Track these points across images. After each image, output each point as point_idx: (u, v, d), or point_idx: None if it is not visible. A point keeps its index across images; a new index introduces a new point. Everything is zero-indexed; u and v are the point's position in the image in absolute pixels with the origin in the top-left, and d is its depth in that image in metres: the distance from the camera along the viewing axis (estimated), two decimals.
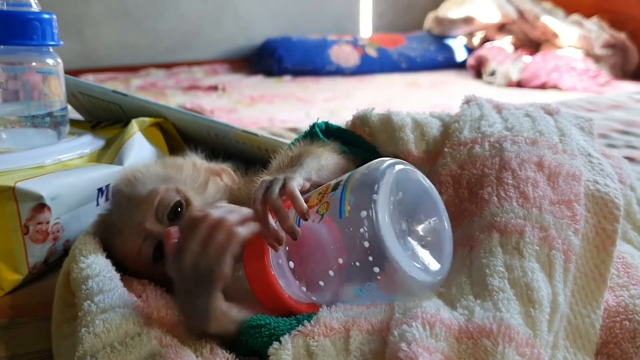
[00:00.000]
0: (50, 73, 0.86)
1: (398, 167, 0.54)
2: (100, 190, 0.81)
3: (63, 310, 0.59)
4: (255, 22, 3.19)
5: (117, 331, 0.51)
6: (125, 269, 0.63)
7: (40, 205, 0.72)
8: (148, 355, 0.49)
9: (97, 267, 0.59)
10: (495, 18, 3.01)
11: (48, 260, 0.76)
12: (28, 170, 0.77)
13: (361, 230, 0.50)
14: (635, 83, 2.60)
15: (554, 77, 2.55)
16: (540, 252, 0.53)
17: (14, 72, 0.84)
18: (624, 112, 1.56)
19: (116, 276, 0.59)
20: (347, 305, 0.53)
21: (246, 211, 0.53)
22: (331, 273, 0.52)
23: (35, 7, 0.83)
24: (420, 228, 0.54)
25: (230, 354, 0.51)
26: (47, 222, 0.73)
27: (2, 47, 0.82)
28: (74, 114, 1.05)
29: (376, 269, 0.50)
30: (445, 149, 0.67)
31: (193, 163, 0.71)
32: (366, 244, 0.50)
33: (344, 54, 3.00)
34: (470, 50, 3.13)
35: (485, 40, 3.11)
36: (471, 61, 2.93)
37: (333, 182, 0.55)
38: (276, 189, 0.54)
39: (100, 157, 0.88)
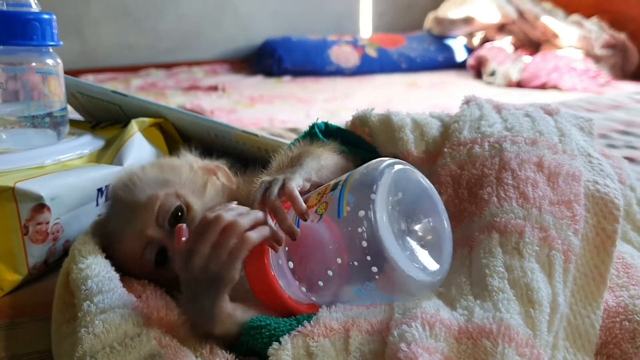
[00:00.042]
0: (50, 73, 0.86)
1: (397, 167, 0.54)
2: (100, 190, 0.81)
3: (63, 311, 0.59)
4: (255, 22, 3.19)
5: (116, 331, 0.51)
6: (125, 269, 0.63)
7: (40, 206, 0.72)
8: (147, 356, 0.49)
9: (96, 267, 0.59)
10: (495, 18, 3.01)
11: (48, 260, 0.76)
12: (28, 170, 0.77)
13: (359, 230, 0.50)
14: (635, 83, 2.60)
15: (554, 77, 2.55)
16: (540, 252, 0.53)
17: (14, 73, 0.84)
18: (624, 113, 1.56)
19: (115, 276, 0.59)
20: (347, 305, 0.53)
21: (257, 214, 0.53)
22: (330, 273, 0.52)
23: (35, 8, 0.83)
24: (419, 228, 0.54)
25: (230, 354, 0.51)
26: (47, 223, 0.73)
27: (1, 47, 0.82)
28: (73, 115, 1.05)
29: (374, 269, 0.50)
30: (445, 149, 0.67)
31: (190, 165, 0.70)
32: (364, 244, 0.50)
33: (344, 54, 3.00)
34: (470, 50, 3.13)
35: (485, 40, 3.11)
36: (471, 61, 2.93)
37: (332, 182, 0.56)
38: (275, 189, 0.54)
39: (100, 157, 0.88)
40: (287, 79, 2.87)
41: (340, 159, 0.68)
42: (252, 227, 0.52)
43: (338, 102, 2.32)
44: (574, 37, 2.75)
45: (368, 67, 3.01)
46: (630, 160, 1.09)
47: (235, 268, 0.50)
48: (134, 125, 0.91)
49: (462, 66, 3.08)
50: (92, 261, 0.60)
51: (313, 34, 3.18)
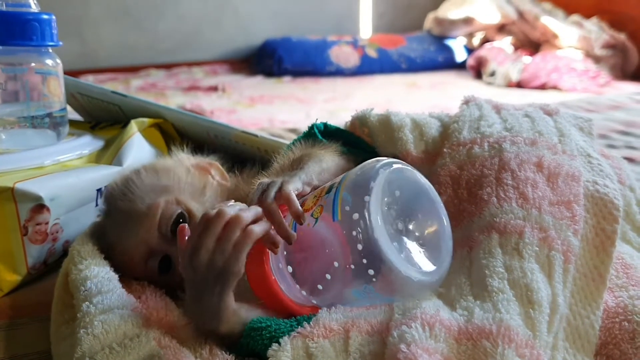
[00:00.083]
0: (49, 74, 0.86)
1: (392, 167, 0.53)
2: (99, 190, 0.81)
3: (62, 311, 0.59)
4: (255, 23, 3.19)
5: (115, 332, 0.51)
6: (125, 272, 0.62)
7: (39, 206, 0.72)
8: (147, 357, 0.49)
9: (95, 268, 0.59)
10: (495, 19, 3.01)
11: (47, 261, 0.76)
12: (27, 170, 0.77)
13: (354, 233, 0.49)
14: (635, 84, 2.60)
15: (554, 77, 2.55)
16: (539, 252, 0.53)
17: (14, 73, 0.84)
18: (624, 113, 1.56)
19: (115, 277, 0.59)
20: (347, 306, 0.52)
21: (258, 209, 0.53)
22: (328, 277, 0.51)
23: (34, 8, 0.83)
24: (417, 227, 0.53)
25: (229, 355, 0.51)
26: (46, 223, 0.73)
27: (1, 47, 0.82)
28: (73, 115, 1.05)
29: (371, 272, 0.49)
30: (445, 150, 0.67)
31: (186, 167, 0.69)
32: (360, 247, 0.49)
33: (343, 55, 3.00)
34: (470, 50, 3.13)
35: (485, 40, 3.11)
36: (471, 62, 2.93)
37: (328, 184, 0.55)
38: (272, 192, 0.54)
39: (99, 157, 0.88)
40: (287, 79, 2.87)
41: (341, 161, 0.68)
42: (254, 221, 0.51)
43: (338, 102, 2.32)
44: (573, 37, 2.75)
45: (368, 67, 3.01)
46: (630, 160, 1.09)
47: (240, 261, 0.49)
48: (133, 125, 0.91)
49: (462, 66, 3.08)
50: (91, 262, 0.60)
51: (313, 34, 3.18)
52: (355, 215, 0.50)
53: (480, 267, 0.53)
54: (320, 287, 0.52)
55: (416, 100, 2.35)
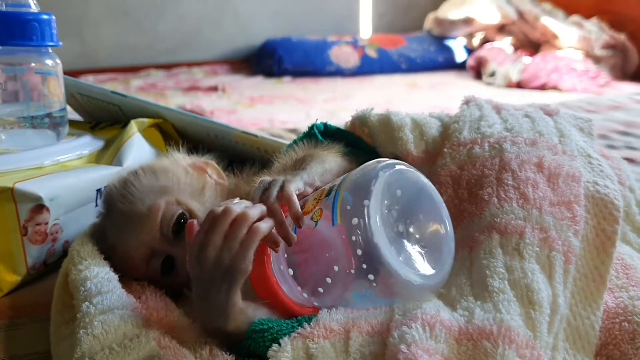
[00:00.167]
0: (49, 74, 0.86)
1: (392, 169, 0.52)
2: (99, 191, 0.80)
3: (62, 312, 0.59)
4: (255, 23, 3.19)
5: (115, 333, 0.51)
6: (126, 273, 0.62)
7: (39, 206, 0.72)
8: (146, 357, 0.49)
9: (95, 268, 0.59)
10: (495, 19, 3.01)
11: (47, 261, 0.76)
12: (27, 171, 0.77)
13: (353, 237, 0.49)
14: (635, 84, 2.60)
15: (554, 78, 2.55)
16: (540, 253, 0.53)
17: (14, 73, 0.84)
18: (624, 113, 1.56)
19: (115, 277, 0.59)
20: (348, 308, 0.52)
21: (263, 207, 0.52)
22: (329, 280, 0.51)
23: (34, 8, 0.83)
24: (419, 229, 0.53)
25: (230, 355, 0.51)
26: (46, 223, 0.73)
27: (1, 47, 0.82)
28: (73, 115, 1.04)
29: (371, 276, 0.49)
30: (445, 150, 0.67)
31: (184, 167, 0.69)
32: (359, 252, 0.49)
33: (343, 55, 3.00)
34: (470, 51, 3.13)
35: (485, 41, 3.11)
36: (471, 62, 2.93)
37: (328, 186, 0.55)
38: (274, 192, 0.54)
39: (99, 158, 0.88)
40: (287, 79, 2.87)
41: (344, 162, 0.67)
42: (259, 219, 0.51)
43: (338, 102, 2.32)
44: (573, 37, 2.75)
45: (368, 67, 3.01)
46: (630, 161, 1.09)
47: (248, 259, 0.49)
48: (133, 125, 0.91)
49: (462, 67, 3.08)
50: (91, 262, 0.60)
51: (313, 34, 3.18)
52: (355, 220, 0.49)
53: (480, 267, 0.53)
54: (320, 290, 0.52)
55: (416, 100, 2.35)
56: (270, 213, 0.52)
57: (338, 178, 0.55)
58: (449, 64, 3.16)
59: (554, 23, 2.83)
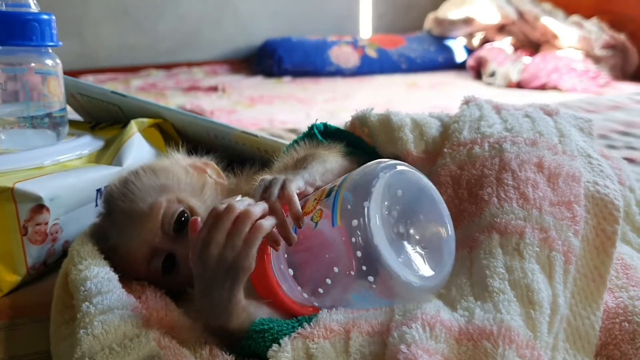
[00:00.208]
0: (49, 74, 0.86)
1: (393, 169, 0.52)
2: (99, 191, 0.80)
3: (62, 312, 0.59)
4: (255, 23, 3.19)
5: (115, 333, 0.51)
6: (126, 273, 0.62)
7: (39, 206, 0.72)
8: (146, 357, 0.49)
9: (95, 268, 0.59)
10: (495, 19, 3.01)
11: (47, 261, 0.75)
12: (27, 171, 0.76)
13: (353, 239, 0.49)
14: (635, 84, 2.60)
15: (554, 78, 2.55)
16: (540, 253, 0.53)
17: (14, 73, 0.84)
18: (624, 113, 1.56)
19: (115, 277, 0.59)
20: (348, 308, 0.52)
21: (265, 205, 0.52)
22: (329, 281, 0.51)
23: (34, 8, 0.83)
24: (419, 229, 0.53)
25: (230, 355, 0.51)
26: (46, 223, 0.73)
27: (1, 47, 0.82)
28: (73, 115, 1.04)
29: (371, 278, 0.49)
30: (445, 150, 0.67)
31: (184, 167, 0.69)
32: (359, 254, 0.49)
33: (343, 55, 3.00)
34: (470, 51, 3.13)
35: (485, 41, 3.11)
36: (471, 62, 2.93)
37: (328, 186, 0.55)
38: (275, 190, 0.54)
39: (99, 158, 0.88)
40: (287, 79, 2.87)
41: (345, 162, 0.67)
42: (262, 217, 0.51)
43: (338, 102, 2.32)
44: (573, 37, 2.75)
45: (368, 67, 3.01)
46: (630, 161, 1.09)
47: (251, 256, 0.49)
48: (133, 125, 0.91)
49: (462, 67, 3.08)
50: (91, 262, 0.60)
51: (313, 34, 3.18)
52: (355, 222, 0.49)
53: (480, 267, 0.53)
54: (320, 290, 0.52)
55: (416, 100, 2.35)
56: (272, 212, 0.52)
57: (338, 178, 0.55)
58: (449, 64, 3.16)
59: (554, 23, 2.83)
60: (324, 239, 0.51)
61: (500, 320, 0.46)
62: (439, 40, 3.22)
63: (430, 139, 0.71)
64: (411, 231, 0.52)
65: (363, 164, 0.55)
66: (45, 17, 0.82)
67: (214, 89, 2.58)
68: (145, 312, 0.55)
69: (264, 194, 0.54)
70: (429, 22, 3.29)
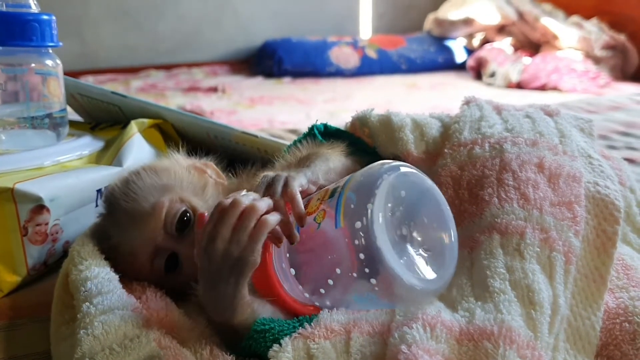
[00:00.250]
0: (49, 74, 0.86)
1: (396, 172, 0.52)
2: (99, 191, 0.80)
3: (62, 312, 0.59)
4: (255, 23, 3.19)
5: (115, 333, 0.51)
6: (127, 274, 0.62)
7: (39, 207, 0.72)
8: (147, 357, 0.49)
9: (95, 268, 0.59)
10: (495, 19, 3.01)
11: (47, 261, 0.75)
12: (27, 171, 0.76)
13: (356, 242, 0.49)
14: (635, 84, 2.60)
15: (554, 78, 2.55)
16: (541, 253, 0.53)
17: (14, 74, 0.84)
18: (624, 114, 1.56)
19: (115, 278, 0.59)
20: (349, 309, 0.52)
21: (269, 200, 0.52)
22: (330, 282, 0.51)
23: (34, 8, 0.83)
24: (422, 231, 0.52)
25: (230, 355, 0.51)
26: (46, 224, 0.73)
27: (1, 48, 0.82)
28: (73, 115, 1.04)
29: (373, 280, 0.49)
30: (445, 150, 0.67)
31: (185, 167, 0.69)
32: (362, 256, 0.48)
33: (343, 56, 3.00)
34: (470, 51, 3.13)
35: (485, 41, 3.11)
36: (471, 62, 2.93)
37: (331, 186, 0.54)
38: (278, 188, 0.54)
39: (99, 158, 0.88)
40: (287, 80, 2.88)
41: (348, 162, 0.67)
42: (267, 212, 0.51)
43: (338, 103, 2.32)
44: (573, 38, 2.75)
45: (368, 68, 3.01)
46: (630, 161, 1.09)
47: (256, 251, 0.49)
48: (133, 126, 0.91)
49: (462, 67, 3.09)
50: (92, 263, 0.60)
51: (313, 35, 3.18)
52: (358, 224, 0.49)
53: (481, 267, 0.53)
54: (322, 290, 0.52)
55: (416, 101, 2.35)
56: (275, 209, 0.52)
57: (342, 179, 0.54)
58: (449, 65, 3.16)
59: (554, 24, 2.83)
60: (326, 239, 0.51)
61: (501, 321, 0.46)
62: (439, 41, 3.22)
63: (431, 140, 0.71)
64: (414, 233, 0.52)
65: (365, 164, 0.55)
66: (45, 17, 0.82)
67: (214, 89, 2.58)
68: (145, 313, 0.55)
69: (266, 190, 0.54)
70: (429, 23, 3.29)
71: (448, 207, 0.55)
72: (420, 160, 0.69)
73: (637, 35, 2.74)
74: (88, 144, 0.89)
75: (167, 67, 2.99)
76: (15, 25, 0.80)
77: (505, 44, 2.99)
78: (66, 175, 0.77)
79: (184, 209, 0.63)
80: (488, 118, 0.70)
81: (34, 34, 0.81)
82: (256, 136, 0.85)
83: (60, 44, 0.86)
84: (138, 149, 0.88)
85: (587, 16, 2.84)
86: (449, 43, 3.22)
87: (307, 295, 0.53)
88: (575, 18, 2.85)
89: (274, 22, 3.23)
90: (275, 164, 0.67)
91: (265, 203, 0.51)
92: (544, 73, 2.58)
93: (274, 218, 0.51)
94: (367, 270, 0.49)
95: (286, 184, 0.54)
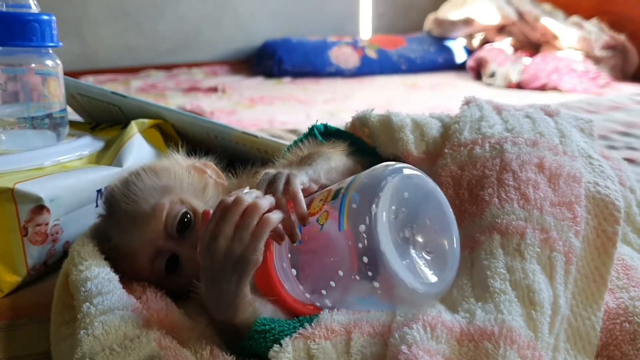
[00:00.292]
0: (49, 74, 0.86)
1: (400, 174, 0.51)
2: (99, 191, 0.80)
3: (62, 312, 0.59)
4: (255, 23, 3.19)
5: (116, 333, 0.51)
6: (127, 275, 0.62)
7: (39, 207, 0.72)
8: (147, 358, 0.49)
9: (96, 269, 0.59)
10: (495, 20, 3.01)
11: (47, 261, 0.75)
12: (27, 171, 0.76)
13: (359, 245, 0.48)
14: (635, 84, 2.60)
15: (554, 78, 2.55)
16: (541, 254, 0.53)
17: (14, 74, 0.84)
18: (624, 114, 1.56)
19: (115, 278, 0.59)
20: (350, 310, 0.52)
21: (272, 198, 0.52)
22: (333, 284, 0.51)
23: (34, 8, 0.83)
24: (425, 234, 0.52)
25: (230, 356, 0.51)
26: (46, 224, 0.73)
27: (1, 48, 0.82)
28: (73, 116, 1.04)
29: (376, 284, 0.49)
30: (446, 150, 0.67)
31: (185, 167, 0.69)
32: (365, 259, 0.48)
33: (343, 56, 3.00)
34: (470, 51, 3.13)
35: (485, 41, 3.11)
36: (471, 63, 2.93)
37: (334, 187, 0.54)
38: (280, 185, 0.53)
39: (99, 158, 0.88)
40: (287, 80, 2.87)
41: (349, 161, 0.67)
42: (269, 210, 0.51)
43: (338, 103, 2.32)
44: (573, 38, 2.75)
45: (368, 68, 3.01)
46: (630, 161, 1.09)
47: (259, 249, 0.49)
48: (133, 126, 0.91)
49: (461, 67, 3.08)
50: (92, 263, 0.60)
51: (313, 35, 3.18)
52: (362, 227, 0.48)
53: (481, 268, 0.53)
54: (324, 292, 0.52)
55: (416, 101, 2.35)
56: (277, 207, 0.52)
57: (344, 180, 0.54)
58: (449, 65, 3.16)
59: (554, 24, 2.83)
60: (329, 241, 0.51)
61: (501, 321, 0.46)
62: (439, 41, 3.22)
63: (431, 140, 0.71)
64: (417, 236, 0.52)
65: (366, 164, 0.54)
66: (45, 17, 0.82)
67: (214, 89, 2.58)
68: (145, 313, 0.55)
69: (268, 188, 0.54)
70: (429, 23, 3.29)
71: (451, 210, 0.55)
72: (421, 160, 0.69)
73: (637, 35, 2.74)
74: (88, 144, 0.89)
75: (167, 67, 2.99)
76: (15, 25, 0.80)
77: (505, 44, 2.99)
78: (66, 176, 0.77)
79: (184, 210, 0.63)
80: (488, 118, 0.70)
81: (34, 34, 0.81)
82: (256, 136, 0.85)
83: (61, 44, 0.86)
84: (138, 149, 0.88)
85: (587, 16, 2.84)
86: (449, 43, 3.22)
87: (308, 295, 0.53)
88: (575, 18, 2.85)
89: (274, 22, 3.23)
90: (276, 162, 0.67)
91: (267, 201, 0.51)
92: (544, 73, 2.58)
93: (276, 216, 0.50)
94: (369, 273, 0.48)
95: (288, 182, 0.54)
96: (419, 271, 0.50)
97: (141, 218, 0.62)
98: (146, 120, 0.93)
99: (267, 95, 2.50)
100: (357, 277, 0.49)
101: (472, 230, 0.58)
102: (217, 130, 0.90)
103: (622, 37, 2.72)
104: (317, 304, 0.53)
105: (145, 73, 2.91)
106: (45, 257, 0.75)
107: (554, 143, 0.65)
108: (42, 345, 0.61)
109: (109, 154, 0.87)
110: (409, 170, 0.53)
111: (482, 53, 2.89)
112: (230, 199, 0.51)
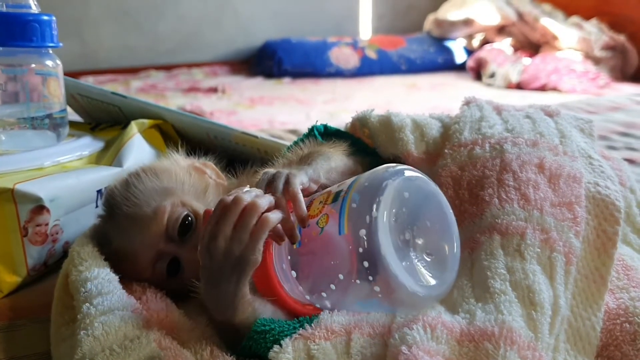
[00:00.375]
0: (49, 75, 0.86)
1: (400, 177, 0.51)
2: (99, 192, 0.80)
3: (62, 313, 0.59)
4: (255, 24, 3.19)
5: (116, 334, 0.51)
6: (128, 276, 0.62)
7: (39, 207, 0.72)
8: (147, 358, 0.49)
9: (95, 269, 0.59)
10: (495, 20, 3.01)
11: (47, 262, 0.75)
12: (27, 172, 0.76)
13: (360, 249, 0.48)
14: (634, 85, 2.60)
15: (554, 79, 2.55)
16: (541, 254, 0.53)
17: (14, 74, 0.84)
18: (624, 114, 1.56)
19: (115, 278, 0.59)
20: (350, 311, 0.52)
21: (271, 197, 0.52)
22: (332, 287, 0.51)
23: (34, 9, 0.83)
24: (425, 236, 0.52)
25: (230, 356, 0.51)
26: (46, 224, 0.73)
27: (1, 48, 0.81)
28: (73, 116, 1.04)
29: (376, 288, 0.48)
30: (446, 150, 0.67)
31: (185, 169, 0.68)
32: (365, 264, 0.48)
33: (343, 56, 3.00)
34: (469, 52, 3.13)
35: (485, 42, 3.11)
36: (471, 63, 2.93)
37: (334, 189, 0.54)
38: (280, 185, 0.53)
39: (99, 158, 0.88)
40: (286, 80, 2.87)
41: (349, 162, 0.67)
42: (268, 209, 0.51)
43: (338, 103, 2.32)
44: (573, 38, 2.75)
45: (368, 68, 3.01)
46: (630, 162, 1.09)
47: (258, 249, 0.49)
48: (133, 126, 0.91)
49: (461, 68, 3.09)
50: (92, 263, 0.60)
51: (313, 35, 3.18)
52: (362, 231, 0.48)
53: (482, 268, 0.53)
54: (324, 294, 0.52)
55: (416, 101, 2.35)
56: (276, 206, 0.52)
57: (345, 182, 0.54)
58: (449, 65, 3.16)
59: (553, 24, 2.83)
60: (329, 244, 0.51)
61: (501, 322, 0.46)
62: (439, 42, 3.22)
63: (431, 140, 0.70)
64: (417, 238, 0.51)
65: (366, 164, 0.54)
66: (45, 18, 0.82)
67: (214, 90, 2.58)
68: (145, 313, 0.55)
69: (268, 187, 0.54)
70: (428, 23, 3.29)
71: (451, 212, 0.54)
72: (421, 160, 0.69)
73: (636, 35, 2.74)
74: (88, 145, 0.89)
75: (167, 68, 2.99)
76: (15, 25, 0.80)
77: (505, 44, 2.99)
78: (66, 176, 0.77)
79: (185, 213, 0.62)
80: (488, 118, 0.70)
81: (34, 34, 0.81)
82: (256, 137, 0.85)
83: (61, 44, 0.86)
84: (138, 150, 0.88)
85: (587, 17, 2.84)
86: (449, 44, 3.22)
87: (307, 297, 0.53)
88: (575, 19, 2.85)
89: (274, 23, 3.23)
90: (276, 162, 0.67)
91: (266, 200, 0.51)
92: (544, 74, 2.58)
93: (275, 216, 0.50)
94: (370, 277, 0.48)
95: (287, 182, 0.54)
96: (419, 274, 0.50)
97: (142, 221, 0.62)
98: (146, 121, 0.93)
99: (267, 95, 2.50)
100: (358, 281, 0.49)
101: (472, 231, 0.58)
102: (217, 130, 0.90)
103: (621, 38, 2.72)
104: (317, 305, 0.53)
105: (145, 73, 2.91)
106: (45, 257, 0.75)
107: (554, 143, 0.65)
108: (42, 346, 0.61)
109: (109, 154, 0.87)
110: (409, 173, 0.52)
111: (482, 53, 2.89)
112: (230, 198, 0.51)
